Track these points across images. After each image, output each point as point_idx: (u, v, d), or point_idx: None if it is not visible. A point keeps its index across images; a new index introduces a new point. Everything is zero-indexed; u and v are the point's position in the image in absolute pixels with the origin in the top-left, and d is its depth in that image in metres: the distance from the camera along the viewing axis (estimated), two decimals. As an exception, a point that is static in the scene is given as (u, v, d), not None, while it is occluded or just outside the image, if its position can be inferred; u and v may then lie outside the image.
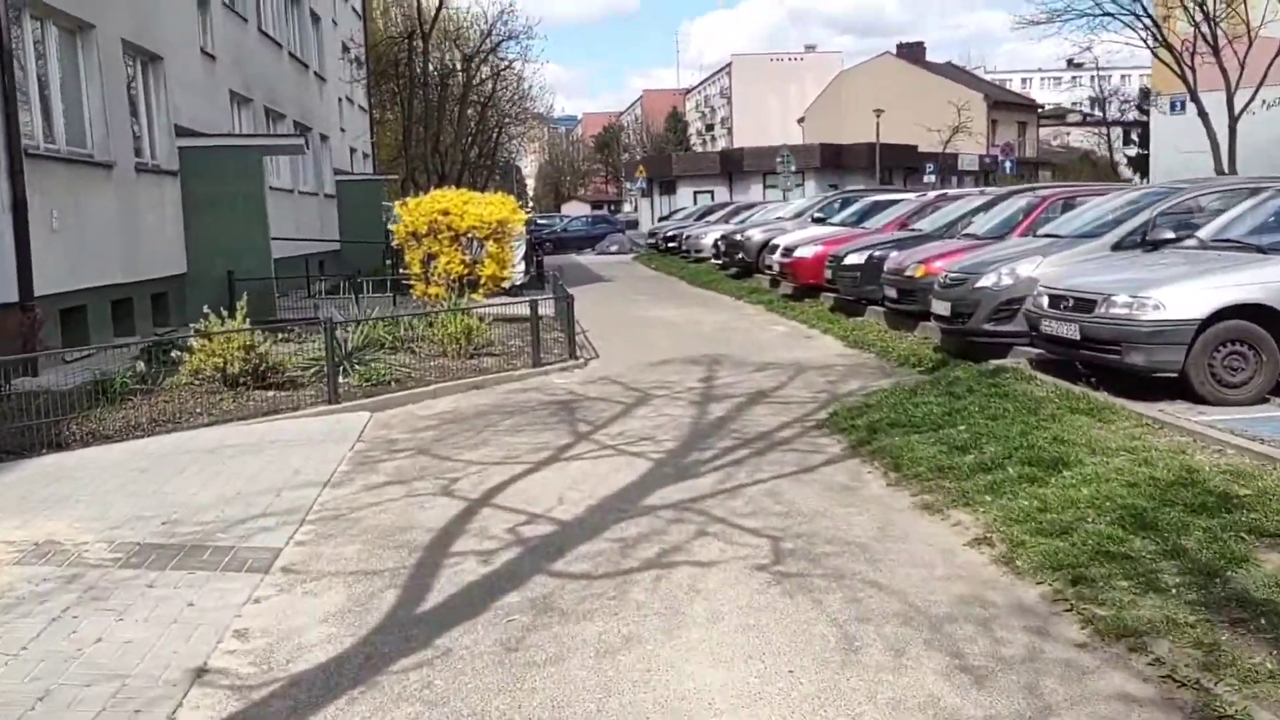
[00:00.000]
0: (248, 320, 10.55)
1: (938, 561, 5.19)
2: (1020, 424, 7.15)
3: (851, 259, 14.81)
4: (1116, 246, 9.97)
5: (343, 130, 31.87)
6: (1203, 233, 9.11)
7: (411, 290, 15.79)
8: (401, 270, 16.24)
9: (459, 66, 28.86)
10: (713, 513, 6.13)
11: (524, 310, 13.90)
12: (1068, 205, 12.79)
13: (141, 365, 10.37)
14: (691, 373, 11.45)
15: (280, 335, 12.76)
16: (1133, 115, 60.28)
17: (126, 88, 14.34)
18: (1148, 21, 30.97)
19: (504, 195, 15.88)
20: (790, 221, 22.80)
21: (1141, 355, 7.77)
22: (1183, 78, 30.51)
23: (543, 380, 11.28)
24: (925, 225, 15.48)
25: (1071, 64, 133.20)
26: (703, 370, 11.62)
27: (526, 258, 21.36)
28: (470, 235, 15.12)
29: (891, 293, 13.09)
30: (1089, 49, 36.59)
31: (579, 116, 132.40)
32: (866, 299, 14.69)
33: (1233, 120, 30.08)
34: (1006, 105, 75.02)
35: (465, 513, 6.31)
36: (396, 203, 15.83)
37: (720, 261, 25.13)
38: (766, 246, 20.79)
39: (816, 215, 22.27)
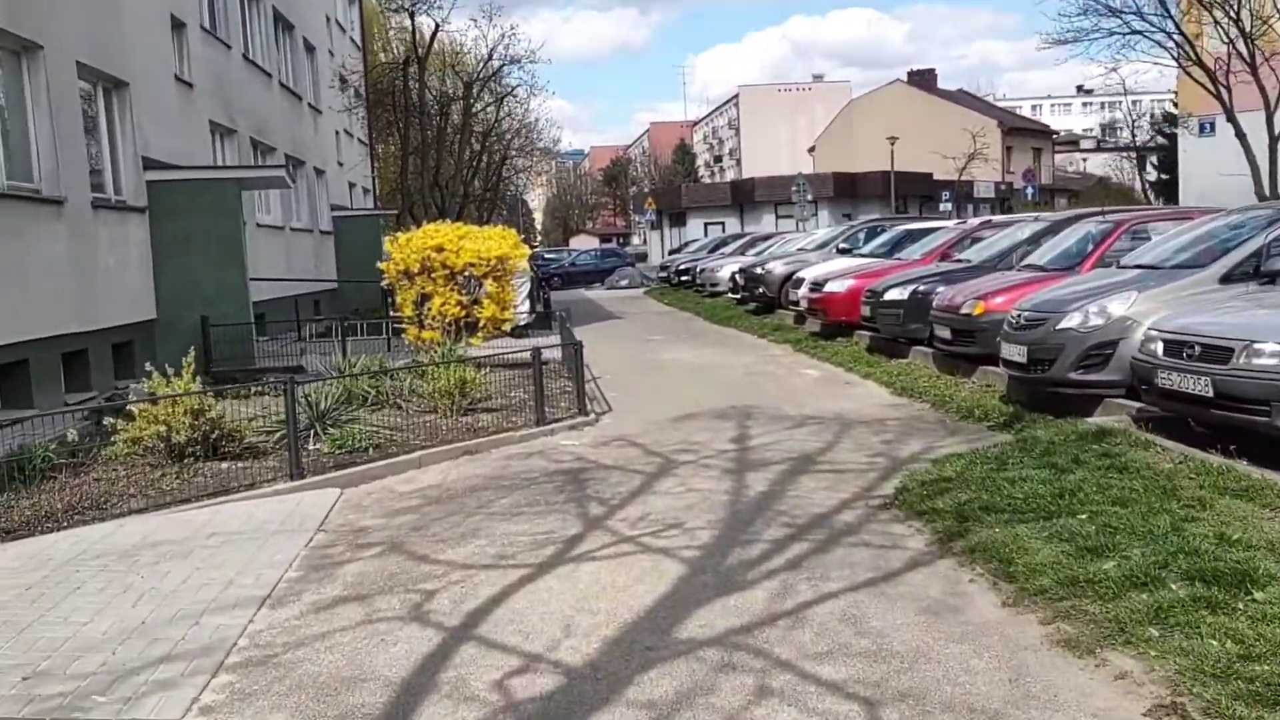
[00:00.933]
0: (198, 378, 8.99)
1: (1117, 749, 3.56)
2: (1164, 513, 5.52)
3: (893, 294, 13.23)
4: (1225, 279, 8.38)
5: (340, 164, 30.53)
6: (1348, 261, 7.52)
7: (404, 334, 14.26)
8: (393, 313, 14.73)
9: (459, 94, 27.44)
10: (774, 652, 4.51)
11: (528, 356, 12.43)
12: (1137, 233, 11.26)
13: (73, 434, 8.79)
14: (721, 430, 9.84)
15: (250, 390, 11.23)
16: (1153, 140, 58.66)
17: (83, 116, 12.91)
18: (1179, 39, 29.49)
19: (505, 229, 14.36)
20: (813, 253, 21.27)
21: (1300, 417, 6.15)
22: (1218, 97, 29.05)
23: (547, 441, 9.68)
24: (972, 256, 13.91)
25: (1081, 90, 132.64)
26: (733, 427, 10.01)
27: (531, 295, 19.86)
28: (467, 273, 13.59)
29: (944, 333, 11.50)
30: (1115, 70, 35.11)
31: (586, 150, 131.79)
32: (910, 339, 13.10)
33: (1273, 140, 28.59)
34: (1021, 131, 73.69)
35: (439, 651, 4.70)
36: (387, 239, 14.31)
37: (738, 296, 23.58)
38: (790, 280, 19.22)
39: (842, 246, 20.77)
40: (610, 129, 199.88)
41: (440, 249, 13.59)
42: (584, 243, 78.45)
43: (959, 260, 14.02)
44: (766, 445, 9.03)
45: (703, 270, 28.85)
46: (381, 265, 14.26)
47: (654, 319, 24.16)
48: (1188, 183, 38.32)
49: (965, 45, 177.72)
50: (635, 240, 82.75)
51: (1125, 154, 68.72)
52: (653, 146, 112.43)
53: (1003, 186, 64.51)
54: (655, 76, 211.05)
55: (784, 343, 16.90)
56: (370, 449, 8.98)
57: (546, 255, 53.95)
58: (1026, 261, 11.86)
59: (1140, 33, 30.87)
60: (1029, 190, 45.89)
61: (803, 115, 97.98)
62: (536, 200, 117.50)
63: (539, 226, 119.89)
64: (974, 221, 16.79)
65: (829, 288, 15.77)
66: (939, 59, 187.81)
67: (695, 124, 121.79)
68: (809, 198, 36.45)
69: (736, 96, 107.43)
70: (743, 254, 28.82)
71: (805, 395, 11.80)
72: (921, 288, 12.93)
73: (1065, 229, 12.34)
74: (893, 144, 50.92)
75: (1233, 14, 27.86)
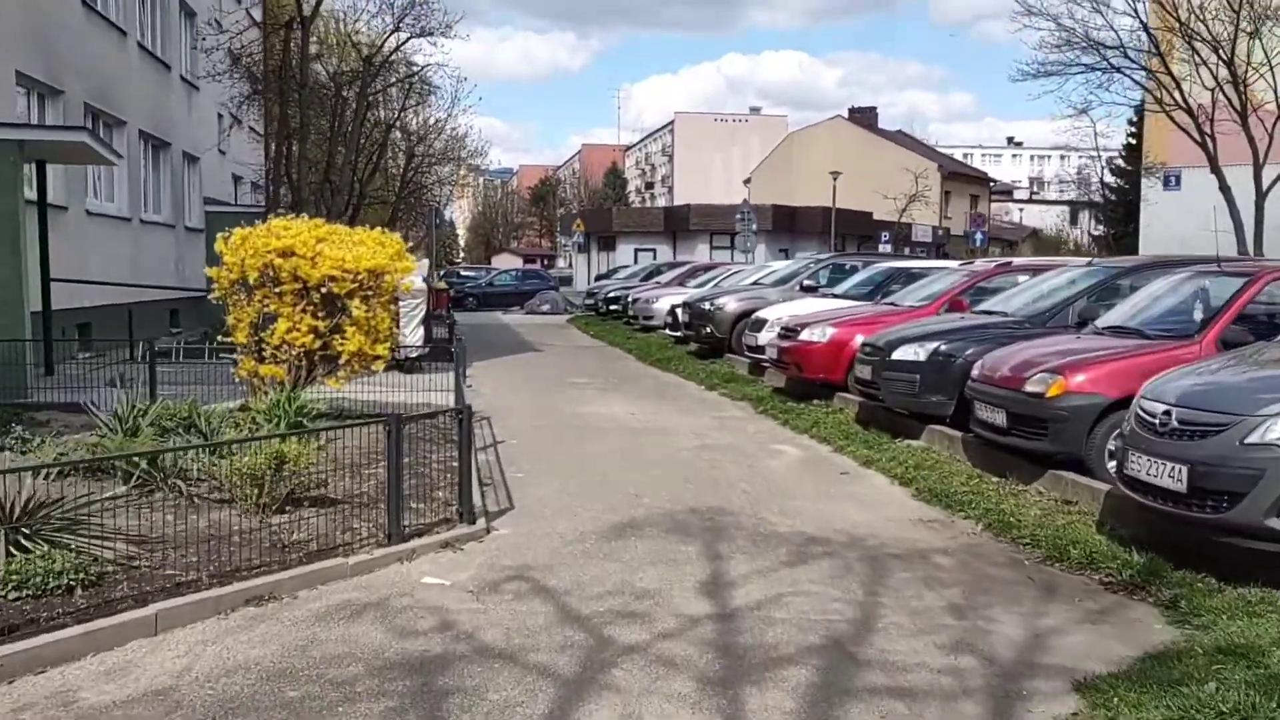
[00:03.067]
0: None
1: None
2: None
3: (905, 353, 9.81)
4: None
5: (222, 152, 26.31)
6: None
7: (235, 370, 10.38)
8: (223, 339, 10.84)
9: (358, 68, 23.25)
10: None
11: (411, 404, 8.88)
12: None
13: None
14: (680, 563, 6.23)
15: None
16: (1101, 194, 57.18)
17: None
18: (1164, 78, 27.11)
19: (385, 233, 10.58)
20: (773, 290, 17.91)
21: None
22: (1203, 145, 26.75)
23: (400, 576, 5.92)
24: (1004, 308, 10.59)
25: (1012, 142, 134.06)
26: (698, 555, 6.41)
27: (429, 321, 16.08)
28: (326, 289, 9.84)
29: (992, 416, 8.09)
30: (1085, 111, 32.70)
31: (515, 169, 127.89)
32: (928, 414, 9.70)
33: (1260, 197, 26.37)
34: (959, 177, 72.31)
35: None
36: (219, 236, 10.43)
37: (678, 334, 20.08)
38: (747, 321, 15.83)
39: (807, 283, 17.43)
40: (542, 150, 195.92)
41: (288, 253, 9.76)
42: (507, 262, 74.54)
43: (985, 312, 10.68)
44: (761, 606, 5.45)
45: (636, 300, 25.33)
46: (210, 272, 10.37)
47: (579, 355, 20.50)
48: (1149, 237, 36.18)
49: (896, 94, 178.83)
50: (560, 263, 79.06)
51: (1073, 206, 67.71)
52: (584, 168, 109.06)
53: (940, 231, 62.87)
54: (590, 102, 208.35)
55: (742, 399, 13.40)
56: (80, 587, 5.15)
57: (463, 273, 50.21)
58: (1108, 322, 8.52)
59: (1119, 69, 28.59)
60: (978, 236, 43.53)
61: (738, 146, 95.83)
62: (462, 215, 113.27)
63: (462, 243, 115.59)
64: (982, 264, 13.55)
65: (805, 336, 12.32)
66: (869, 104, 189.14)
67: (629, 149, 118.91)
68: (753, 228, 33.23)
69: (672, 123, 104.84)
70: (681, 285, 25.44)
71: (791, 492, 8.27)
72: (944, 347, 9.55)
73: (1152, 279, 9.08)
74: (835, 179, 48.27)
75: (1224, 56, 25.57)
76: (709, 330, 17.57)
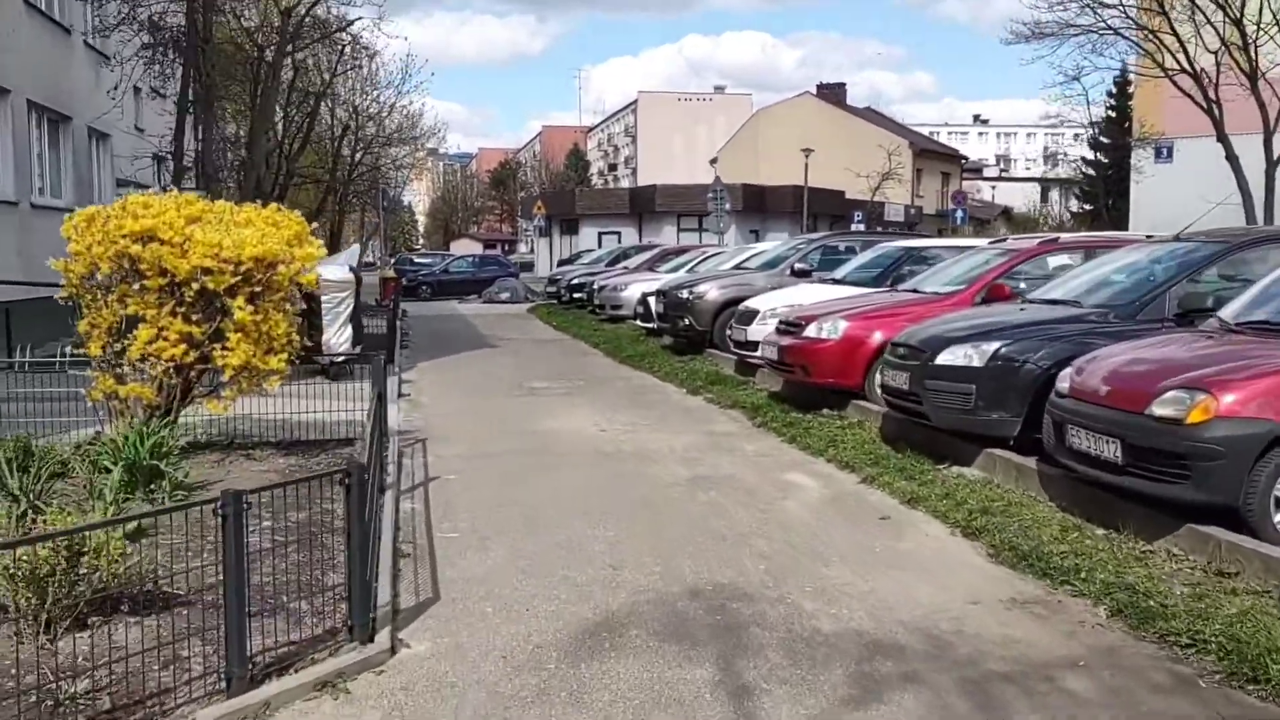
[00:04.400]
0: None
1: None
2: None
3: (953, 357, 7.65)
4: None
5: (139, 129, 23.60)
6: None
7: (89, 391, 8.02)
8: (73, 351, 8.43)
9: (275, 25, 20.60)
10: None
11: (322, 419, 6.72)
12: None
13: None
14: (688, 706, 4.03)
15: None
16: (1077, 169, 55.49)
17: None
18: (1170, 41, 25.17)
19: (280, 210, 8.23)
20: (760, 275, 15.68)
21: None
22: (1209, 112, 24.97)
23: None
24: (1063, 293, 8.45)
25: (978, 119, 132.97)
26: (714, 687, 4.22)
27: (359, 316, 13.71)
28: (200, 284, 7.53)
29: (1102, 449, 5.93)
30: (1078, 78, 30.86)
31: (474, 153, 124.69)
32: (987, 434, 7.55)
33: (1271, 166, 24.64)
34: (931, 154, 70.51)
35: None
36: (66, 219, 8.05)
37: (650, 326, 17.85)
38: (733, 311, 13.68)
39: (799, 267, 15.23)
40: (502, 134, 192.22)
41: (149, 238, 7.41)
42: (466, 247, 71.82)
43: (1048, 301, 8.51)
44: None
45: (602, 288, 23.05)
46: (54, 264, 8.00)
47: (539, 351, 18.19)
48: (1139, 211, 34.43)
49: (856, 73, 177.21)
50: (521, 248, 76.43)
51: (1052, 183, 66.23)
52: (545, 151, 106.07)
53: (912, 210, 61.19)
54: (550, 85, 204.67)
55: (733, 407, 11.19)
56: None
57: (416, 260, 47.73)
58: (1244, 315, 6.36)
59: (1117, 31, 26.69)
60: (959, 214, 41.56)
61: (702, 125, 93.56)
62: (420, 201, 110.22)
63: (421, 229, 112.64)
64: (1017, 241, 11.37)
65: (812, 331, 10.14)
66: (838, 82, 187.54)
67: (590, 130, 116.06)
68: (726, 207, 30.98)
69: (635, 103, 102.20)
70: (652, 270, 23.22)
71: (824, 553, 6.08)
72: (1007, 349, 7.41)
73: (1273, 255, 6.99)
74: (808, 156, 46.17)
75: (1232, 14, 23.72)
76: (687, 322, 15.35)
